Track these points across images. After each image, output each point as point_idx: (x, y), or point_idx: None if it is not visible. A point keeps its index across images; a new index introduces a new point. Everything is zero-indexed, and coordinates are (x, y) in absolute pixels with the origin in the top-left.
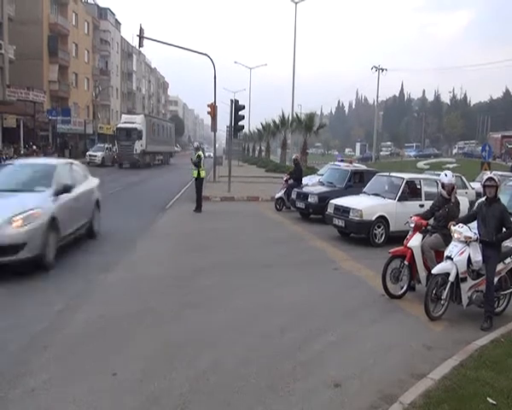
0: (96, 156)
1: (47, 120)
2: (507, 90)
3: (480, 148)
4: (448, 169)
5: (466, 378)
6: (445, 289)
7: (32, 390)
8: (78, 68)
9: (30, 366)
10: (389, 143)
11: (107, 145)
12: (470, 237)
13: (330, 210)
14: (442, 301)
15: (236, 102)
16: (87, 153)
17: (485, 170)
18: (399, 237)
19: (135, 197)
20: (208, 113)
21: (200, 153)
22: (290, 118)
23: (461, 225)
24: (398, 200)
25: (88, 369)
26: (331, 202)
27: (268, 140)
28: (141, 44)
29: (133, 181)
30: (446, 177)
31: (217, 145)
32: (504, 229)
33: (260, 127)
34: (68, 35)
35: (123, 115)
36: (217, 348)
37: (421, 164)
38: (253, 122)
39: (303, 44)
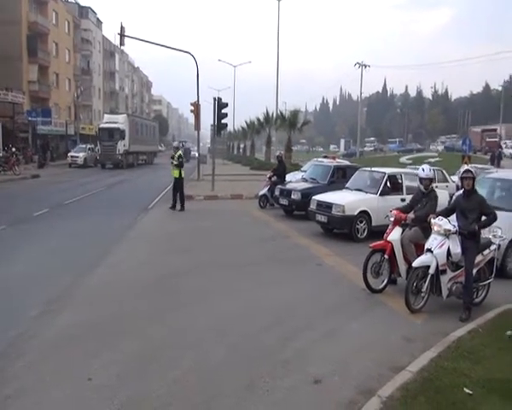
0: (77, 157)
1: (27, 122)
2: (486, 85)
3: (461, 142)
4: (430, 163)
5: (443, 370)
6: (425, 281)
7: (5, 399)
8: (59, 68)
9: (3, 374)
10: (373, 138)
11: (89, 146)
12: (450, 230)
13: (313, 206)
14: (422, 294)
15: (219, 99)
16: (68, 154)
17: (466, 163)
18: (382, 232)
19: (117, 198)
20: (191, 111)
21: (181, 152)
22: (274, 115)
23: (440, 217)
24: (380, 194)
25: (63, 375)
26: (314, 197)
27: (252, 138)
28: (122, 43)
29: (116, 181)
30: (423, 171)
31: (201, 144)
32: (485, 217)
33: (245, 125)
34: (48, 34)
35: (105, 115)
36: (196, 350)
37: (403, 159)
38: (237, 120)
39: (287, 41)
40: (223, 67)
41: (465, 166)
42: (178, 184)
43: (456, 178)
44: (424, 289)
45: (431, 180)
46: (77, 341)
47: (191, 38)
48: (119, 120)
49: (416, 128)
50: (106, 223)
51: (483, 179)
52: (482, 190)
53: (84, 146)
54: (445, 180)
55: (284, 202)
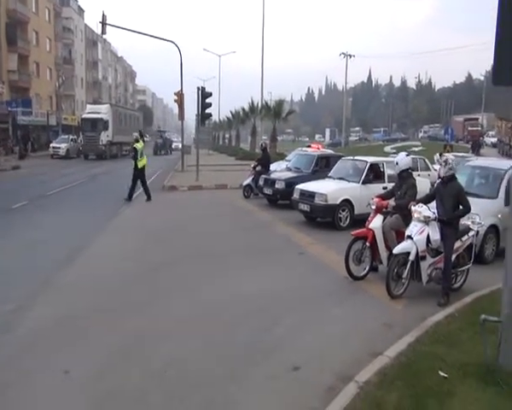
0: (59, 148)
1: (6, 112)
2: (469, 75)
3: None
4: (414, 152)
5: (420, 354)
6: (405, 268)
7: None
8: (40, 57)
9: None
10: (358, 128)
11: (71, 137)
12: (429, 217)
13: (296, 195)
14: (403, 280)
15: (203, 89)
16: (50, 145)
17: (448, 151)
18: (364, 220)
19: (99, 189)
20: (175, 101)
21: (138, 144)
22: (259, 105)
23: (420, 204)
24: (362, 183)
25: (40, 369)
26: (297, 187)
27: (238, 128)
28: (104, 31)
29: (98, 172)
30: (400, 159)
31: (186, 134)
32: (461, 206)
33: (230, 115)
34: (28, 22)
35: (88, 105)
36: (175, 342)
37: (388, 148)
38: (223, 110)
39: (272, 31)
40: (208, 57)
41: (437, 155)
42: (135, 176)
43: (437, 167)
44: (404, 276)
45: (408, 168)
46: (54, 334)
47: (175, 28)
48: (103, 111)
49: (400, 118)
50: (87, 215)
51: (463, 167)
52: (462, 178)
53: (66, 137)
54: (428, 169)
55: (268, 191)
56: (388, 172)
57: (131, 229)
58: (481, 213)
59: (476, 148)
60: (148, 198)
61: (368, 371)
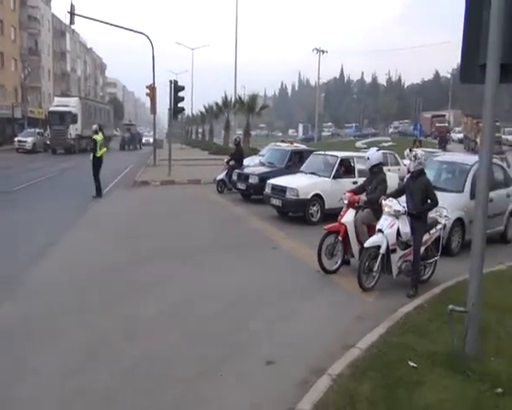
0: (25, 142)
1: None
2: (437, 73)
3: (412, 127)
4: (384, 148)
5: (391, 345)
6: (376, 261)
7: None
8: (4, 47)
9: None
10: (330, 123)
11: (38, 130)
12: (399, 211)
13: (268, 190)
14: (374, 273)
15: (176, 82)
16: (15, 138)
17: (417, 147)
18: (335, 215)
19: (69, 183)
20: (147, 95)
21: (97, 136)
22: (233, 100)
23: (391, 199)
24: (333, 178)
25: (8, 368)
26: (268, 181)
27: (211, 122)
28: (72, 22)
29: (67, 167)
30: (371, 154)
31: (158, 129)
32: (429, 200)
33: (203, 110)
34: None
35: (55, 98)
36: (146, 339)
37: (359, 143)
38: (196, 105)
39: (246, 25)
40: (181, 51)
41: (408, 151)
42: (96, 167)
43: (407, 162)
44: (375, 269)
45: (379, 163)
46: (22, 333)
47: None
48: (71, 104)
49: (371, 113)
50: (56, 210)
51: (430, 162)
52: (430, 173)
53: (32, 130)
54: (397, 164)
55: (242, 186)
56: (358, 166)
57: (102, 225)
58: (448, 207)
59: (443, 143)
60: (98, 195)
61: (340, 363)
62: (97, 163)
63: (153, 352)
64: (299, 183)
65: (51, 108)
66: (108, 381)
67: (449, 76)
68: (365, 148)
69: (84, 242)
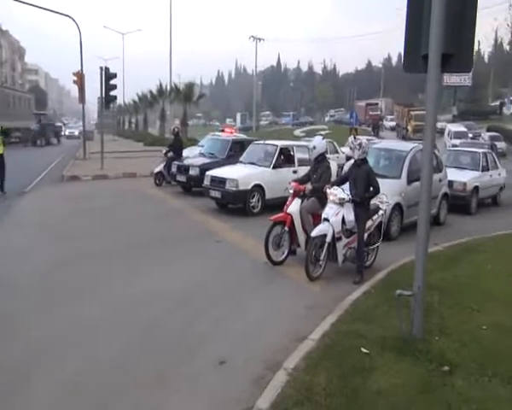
0: None
1: None
2: (369, 62)
3: (348, 115)
4: (321, 135)
5: (342, 333)
6: (323, 250)
7: None
8: None
9: None
10: (268, 112)
11: None
12: (344, 199)
13: (207, 182)
14: (320, 262)
15: (107, 69)
16: None
17: (353, 135)
18: (276, 205)
19: None
20: (75, 82)
21: None
22: (168, 88)
23: (335, 187)
24: (273, 167)
25: None
26: (207, 173)
27: (145, 112)
28: None
29: None
30: (318, 143)
31: (86, 120)
32: (371, 188)
33: (136, 99)
34: None
35: None
36: (88, 347)
37: (298, 132)
38: (129, 93)
39: (181, 11)
40: (111, 36)
41: (352, 138)
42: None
43: (345, 149)
44: (322, 257)
45: (323, 151)
46: None
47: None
48: None
49: (308, 102)
50: None
51: (370, 150)
52: (369, 160)
53: None
54: (336, 151)
55: (182, 178)
56: (298, 155)
57: (29, 224)
58: (387, 193)
59: (376, 130)
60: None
61: (295, 356)
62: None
63: (95, 361)
64: (239, 173)
65: None
66: (44, 397)
67: (380, 66)
68: (304, 136)
69: (7, 244)
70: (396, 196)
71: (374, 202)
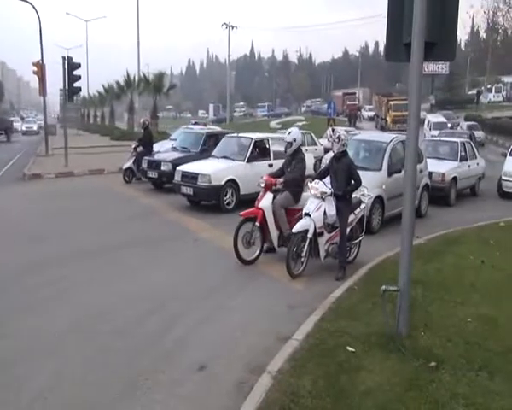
0: None
1: None
2: (346, 51)
3: (326, 105)
4: (298, 127)
5: (327, 332)
6: (304, 245)
7: None
8: None
9: None
10: (242, 103)
11: None
12: (325, 192)
13: (178, 178)
14: (302, 258)
15: (70, 59)
16: None
17: (331, 126)
18: (251, 200)
19: None
20: (34, 73)
21: None
22: (137, 78)
23: (316, 181)
24: (248, 161)
25: None
26: (178, 168)
27: (112, 104)
28: None
29: None
30: (297, 135)
31: (49, 113)
32: (353, 181)
33: (102, 90)
34: None
35: None
36: (58, 357)
37: (273, 123)
38: (94, 84)
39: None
40: (73, 23)
41: (330, 131)
42: None
43: (324, 141)
44: (304, 254)
45: (290, 143)
46: None
47: None
48: None
49: (283, 92)
50: None
51: (349, 142)
52: (349, 152)
53: None
54: (314, 143)
55: (153, 174)
56: (274, 148)
57: None
58: (368, 185)
59: (353, 120)
60: None
61: (279, 358)
62: None
63: (66, 373)
64: (212, 168)
65: None
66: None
67: (357, 54)
68: (280, 128)
69: None
70: (377, 189)
71: (355, 195)
